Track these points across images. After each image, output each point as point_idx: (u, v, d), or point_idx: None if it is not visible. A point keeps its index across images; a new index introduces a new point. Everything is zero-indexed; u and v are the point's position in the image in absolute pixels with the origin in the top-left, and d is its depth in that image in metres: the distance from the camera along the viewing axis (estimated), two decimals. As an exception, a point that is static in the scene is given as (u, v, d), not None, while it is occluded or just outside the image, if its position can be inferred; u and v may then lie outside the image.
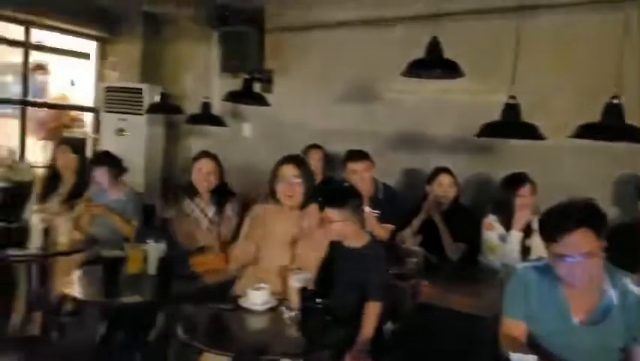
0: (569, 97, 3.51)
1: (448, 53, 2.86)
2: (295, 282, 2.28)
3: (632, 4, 3.00)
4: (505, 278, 2.19)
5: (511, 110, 2.75)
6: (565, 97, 3.53)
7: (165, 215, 3.44)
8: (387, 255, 2.47)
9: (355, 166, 3.44)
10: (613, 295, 1.84)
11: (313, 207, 2.53)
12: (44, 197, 3.81)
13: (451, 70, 2.86)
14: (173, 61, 5.55)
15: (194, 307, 2.35)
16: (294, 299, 2.24)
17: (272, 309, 2.30)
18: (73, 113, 6.15)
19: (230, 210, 3.27)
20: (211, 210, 3.30)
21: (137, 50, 5.54)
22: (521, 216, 2.99)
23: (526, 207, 3.00)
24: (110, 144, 5.20)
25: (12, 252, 3.08)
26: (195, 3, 4.75)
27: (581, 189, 3.09)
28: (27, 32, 5.21)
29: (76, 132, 5.96)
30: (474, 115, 3.09)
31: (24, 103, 5.30)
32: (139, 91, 5.30)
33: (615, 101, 2.47)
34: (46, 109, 5.97)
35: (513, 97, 2.74)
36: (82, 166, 3.88)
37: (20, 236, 3.12)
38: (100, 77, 5.80)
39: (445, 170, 3.46)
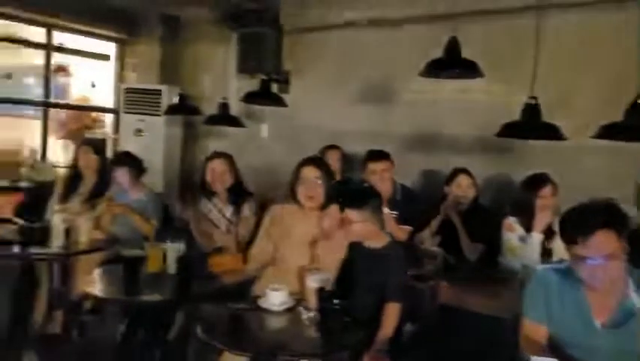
0: (590, 97, 3.47)
1: (466, 53, 2.83)
2: (312, 282, 2.28)
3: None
4: (525, 279, 2.17)
5: (532, 110, 2.71)
6: (586, 97, 3.49)
7: (184, 215, 3.46)
8: (406, 256, 2.46)
9: (375, 166, 3.44)
10: (635, 298, 1.80)
11: (334, 208, 2.52)
12: (66, 197, 3.86)
13: (470, 70, 2.82)
14: (192, 62, 5.59)
15: (213, 307, 2.36)
16: (312, 300, 2.24)
17: (290, 309, 2.31)
18: (94, 114, 6.23)
19: (247, 210, 3.28)
20: (229, 210, 3.31)
21: (155, 52, 5.60)
22: (542, 218, 2.95)
23: (547, 209, 2.96)
24: (128, 144, 5.24)
25: (34, 250, 3.14)
26: (213, 5, 4.78)
27: (601, 189, 3.01)
28: (49, 35, 5.29)
29: (97, 133, 6.04)
30: (493, 115, 3.06)
31: (46, 104, 5.38)
32: (158, 92, 5.35)
33: (638, 101, 2.43)
34: (67, 110, 6.07)
35: (534, 97, 2.70)
36: (103, 166, 3.92)
37: (42, 235, 3.18)
38: (119, 78, 5.86)
39: (464, 171, 3.44)
